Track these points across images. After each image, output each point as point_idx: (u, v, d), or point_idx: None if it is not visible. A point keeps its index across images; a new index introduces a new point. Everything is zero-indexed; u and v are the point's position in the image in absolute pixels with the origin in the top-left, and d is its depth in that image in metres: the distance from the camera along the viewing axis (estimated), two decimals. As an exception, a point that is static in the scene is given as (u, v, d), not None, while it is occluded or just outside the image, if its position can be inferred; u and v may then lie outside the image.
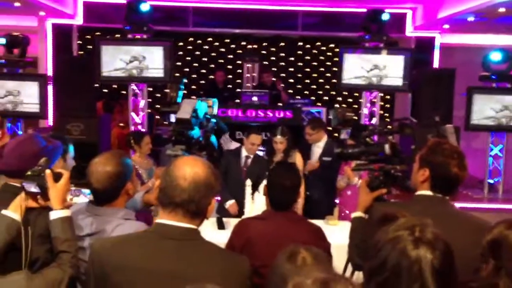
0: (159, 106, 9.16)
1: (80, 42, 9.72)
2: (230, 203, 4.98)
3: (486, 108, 7.24)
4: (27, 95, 7.09)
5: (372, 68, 7.45)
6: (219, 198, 5.30)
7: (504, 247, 1.74)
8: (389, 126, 3.04)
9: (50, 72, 8.37)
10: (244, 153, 5.24)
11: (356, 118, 7.31)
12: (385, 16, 7.38)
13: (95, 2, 8.85)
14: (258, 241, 2.71)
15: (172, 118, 2.84)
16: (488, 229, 1.85)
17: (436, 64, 9.14)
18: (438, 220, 1.99)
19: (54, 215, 2.14)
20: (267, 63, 10.50)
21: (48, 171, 2.15)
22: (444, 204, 2.33)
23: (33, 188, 2.13)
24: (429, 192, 2.35)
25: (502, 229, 1.79)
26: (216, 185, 1.77)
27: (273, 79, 9.38)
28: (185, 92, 10.19)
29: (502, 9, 6.93)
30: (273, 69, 10.61)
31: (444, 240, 1.39)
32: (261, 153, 5.78)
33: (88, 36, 9.86)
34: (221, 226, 4.49)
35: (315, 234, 2.83)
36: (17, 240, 2.11)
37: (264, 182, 4.47)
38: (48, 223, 2.15)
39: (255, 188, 4.69)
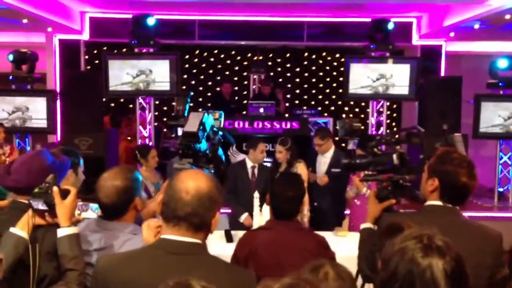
0: (166, 119, 9.20)
1: (88, 57, 9.81)
2: (244, 217, 4.98)
3: (494, 116, 7.20)
4: (35, 111, 7.16)
5: (378, 78, 7.45)
6: (229, 211, 5.31)
7: None
8: (396, 136, 3.03)
9: (58, 88, 8.45)
10: (249, 164, 5.25)
11: (363, 128, 7.29)
12: (390, 25, 7.39)
13: (102, 17, 8.94)
14: (262, 251, 2.72)
15: (179, 132, 2.84)
16: None
17: (442, 72, 9.12)
18: (448, 230, 1.97)
19: (61, 232, 2.13)
20: (272, 73, 10.52)
21: (55, 188, 2.15)
22: (454, 214, 2.31)
23: (41, 206, 2.12)
24: (438, 202, 2.32)
25: None
26: (220, 198, 1.75)
27: (273, 90, 9.37)
28: (192, 104, 10.24)
29: (508, 16, 6.91)
30: (279, 79, 10.63)
31: (454, 248, 1.37)
32: (268, 164, 5.79)
33: (95, 51, 9.95)
34: (229, 239, 4.48)
35: (318, 243, 2.86)
36: (25, 257, 2.10)
37: None
38: (56, 240, 2.15)
39: (263, 199, 4.68)
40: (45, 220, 2.18)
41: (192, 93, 5.39)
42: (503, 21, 7.22)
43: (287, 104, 9.88)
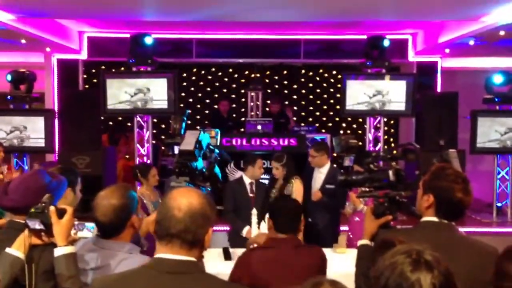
0: (164, 138, 9.21)
1: (86, 76, 9.87)
2: (246, 230, 4.95)
3: (490, 131, 7.24)
4: (33, 130, 7.17)
5: (375, 94, 7.50)
6: (228, 228, 5.29)
7: None
8: (394, 152, 3.04)
9: (56, 107, 8.48)
10: (247, 180, 5.26)
11: (360, 144, 7.32)
12: (385, 43, 7.47)
13: (100, 37, 9.02)
14: (260, 271, 2.71)
15: (176, 150, 2.85)
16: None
17: (439, 88, 9.18)
18: (444, 246, 1.99)
19: (58, 252, 2.13)
20: (269, 91, 10.58)
21: (52, 208, 2.15)
22: (450, 230, 2.31)
23: (37, 225, 2.12)
24: (434, 218, 2.33)
25: None
26: (212, 214, 1.76)
27: (284, 107, 9.46)
28: (190, 122, 10.27)
29: (502, 32, 6.99)
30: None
31: (444, 262, 1.38)
32: (265, 181, 5.80)
33: (93, 70, 10.01)
34: (227, 257, 4.46)
35: (322, 258, 2.89)
36: (21, 277, 2.10)
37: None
38: (53, 259, 2.15)
39: (261, 216, 4.68)
40: (41, 240, 2.18)
41: (189, 111, 5.42)
42: (498, 37, 7.30)
43: (294, 118, 9.94)
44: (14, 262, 2.10)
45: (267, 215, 4.53)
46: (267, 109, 9.77)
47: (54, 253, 2.14)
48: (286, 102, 10.72)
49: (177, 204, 1.69)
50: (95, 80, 9.80)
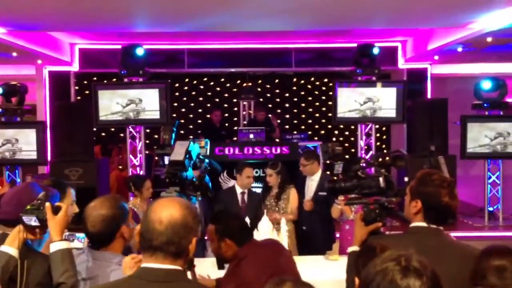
0: (155, 148, 9.22)
1: (78, 87, 9.87)
2: None
3: (480, 136, 7.30)
4: (25, 143, 7.15)
5: (365, 101, 7.56)
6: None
7: None
8: (381, 159, 3.08)
9: (48, 119, 8.48)
10: (239, 190, 5.28)
11: (353, 151, 7.34)
12: (375, 50, 7.53)
13: (92, 48, 9.05)
14: (252, 279, 2.73)
15: (166, 160, 2.88)
16: None
17: (429, 94, 9.27)
18: (433, 251, 2.02)
19: (53, 247, 2.19)
20: (262, 99, 10.62)
21: (47, 204, 2.20)
22: (439, 235, 2.35)
23: (33, 222, 2.18)
24: (423, 224, 2.37)
25: None
26: (195, 224, 1.76)
27: (269, 115, 9.48)
28: (182, 132, 10.29)
29: (489, 39, 7.09)
30: (269, 105, 10.73)
31: (430, 267, 1.42)
32: (258, 190, 5.81)
33: (85, 82, 10.01)
34: (221, 266, 4.45)
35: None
36: (15, 276, 2.16)
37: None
38: (45, 269, 2.19)
39: (253, 225, 4.69)
40: (34, 235, 2.23)
41: (179, 122, 5.45)
42: (486, 44, 7.39)
43: (286, 126, 9.98)
44: (8, 261, 2.16)
45: (260, 224, 4.58)
46: (251, 118, 9.79)
47: (50, 249, 2.19)
48: (278, 111, 10.77)
49: (158, 217, 1.70)
50: (87, 92, 9.79)
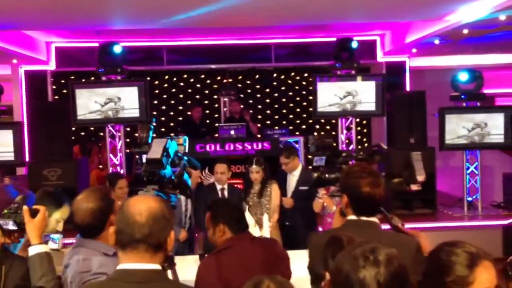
0: (133, 146, 9.15)
1: (55, 87, 9.73)
2: None
3: (458, 127, 7.39)
4: (2, 144, 7.00)
5: (345, 95, 7.60)
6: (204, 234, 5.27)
7: None
8: (361, 153, 3.11)
9: (25, 119, 8.34)
10: (219, 186, 5.29)
11: (334, 144, 7.38)
12: (354, 44, 7.58)
13: (68, 47, 8.91)
14: (230, 272, 2.73)
15: (144, 159, 2.85)
16: None
17: (408, 87, 9.35)
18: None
19: (32, 250, 2.17)
20: (242, 95, 10.60)
21: (25, 207, 2.18)
22: (370, 227, 2.37)
23: (11, 226, 2.15)
24: (353, 217, 2.40)
25: None
26: (171, 217, 1.78)
27: (243, 111, 9.45)
28: (163, 129, 10.23)
29: (466, 31, 7.16)
30: (249, 101, 10.72)
31: (395, 258, 1.44)
32: (240, 186, 5.81)
33: (62, 81, 9.88)
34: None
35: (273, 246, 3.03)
36: None
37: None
38: (23, 272, 2.17)
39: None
40: (12, 239, 2.21)
41: (157, 119, 5.41)
42: (462, 36, 7.47)
43: (258, 125, 9.98)
44: None
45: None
46: (227, 115, 9.76)
47: (28, 252, 2.17)
48: (259, 107, 10.78)
49: (137, 210, 1.70)
50: (64, 91, 9.65)
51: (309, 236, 2.60)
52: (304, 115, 10.98)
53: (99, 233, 2.34)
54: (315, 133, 10.73)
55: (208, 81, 10.89)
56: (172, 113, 10.79)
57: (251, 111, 10.16)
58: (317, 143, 5.40)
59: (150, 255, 1.70)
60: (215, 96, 10.63)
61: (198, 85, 10.89)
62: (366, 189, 2.32)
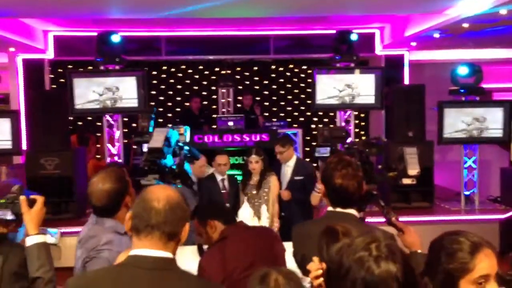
0: (133, 136, 9.14)
1: (53, 76, 9.67)
2: None
3: (457, 121, 7.39)
4: (-1, 132, 6.99)
5: (344, 88, 7.58)
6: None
7: None
8: (355, 146, 3.10)
9: (23, 108, 8.30)
10: (219, 177, 5.28)
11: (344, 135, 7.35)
12: (353, 37, 7.55)
13: (66, 35, 8.86)
14: (233, 261, 2.75)
15: (145, 148, 2.84)
16: None
17: (406, 80, 9.34)
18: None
19: (30, 241, 2.16)
20: (241, 87, 10.57)
21: (22, 197, 2.16)
22: (346, 218, 2.34)
23: (8, 216, 2.13)
24: (330, 208, 2.42)
25: None
26: (188, 209, 1.80)
27: (254, 105, 9.46)
28: (161, 120, 10.20)
29: (465, 25, 7.14)
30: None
31: (398, 251, 1.44)
32: (239, 177, 5.80)
33: (60, 70, 9.81)
34: (202, 253, 4.45)
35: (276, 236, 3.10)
36: None
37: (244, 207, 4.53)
38: (20, 259, 2.16)
39: (234, 211, 4.68)
40: (8, 229, 2.20)
41: (157, 109, 5.39)
42: (462, 30, 7.46)
43: (266, 114, 9.98)
44: None
45: (240, 211, 4.58)
46: (239, 105, 9.76)
47: (25, 243, 2.16)
48: (258, 98, 10.75)
49: (156, 196, 1.73)
50: (62, 80, 9.60)
51: (292, 227, 2.63)
52: (302, 108, 10.96)
53: (114, 213, 2.42)
54: (313, 126, 10.73)
55: (206, 72, 10.85)
56: (170, 104, 10.76)
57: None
58: (325, 134, 5.39)
59: (163, 243, 1.71)
60: (213, 88, 10.59)
61: (196, 76, 10.85)
62: (338, 181, 2.33)
